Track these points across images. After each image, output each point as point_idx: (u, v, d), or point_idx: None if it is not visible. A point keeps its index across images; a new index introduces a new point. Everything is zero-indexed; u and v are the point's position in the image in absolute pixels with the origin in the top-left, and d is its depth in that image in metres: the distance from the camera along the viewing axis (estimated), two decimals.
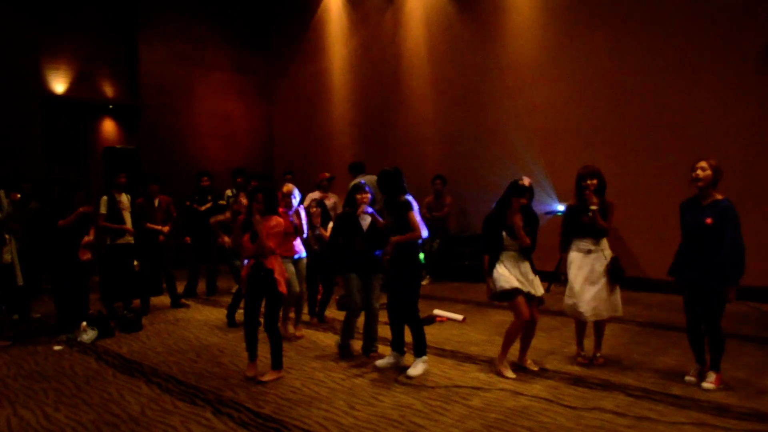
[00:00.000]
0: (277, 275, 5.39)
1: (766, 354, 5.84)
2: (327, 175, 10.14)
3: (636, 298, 8.59)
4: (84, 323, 7.10)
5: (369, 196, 5.90)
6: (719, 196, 4.95)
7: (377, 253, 5.88)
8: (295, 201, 6.76)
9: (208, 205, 9.75)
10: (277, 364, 5.49)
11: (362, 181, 6.23)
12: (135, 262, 8.63)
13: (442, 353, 6.17)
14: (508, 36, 11.01)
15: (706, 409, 4.41)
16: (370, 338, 6.15)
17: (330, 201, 9.73)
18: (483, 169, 10.96)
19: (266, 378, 5.40)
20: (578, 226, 5.66)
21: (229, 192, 10.19)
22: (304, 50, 14.94)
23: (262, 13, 15.62)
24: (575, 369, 5.52)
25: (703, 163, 4.95)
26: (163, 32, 13.85)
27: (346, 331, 6.12)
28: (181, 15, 14.16)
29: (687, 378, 5.09)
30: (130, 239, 8.23)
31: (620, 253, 8.59)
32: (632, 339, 6.52)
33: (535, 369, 5.52)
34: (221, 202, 9.99)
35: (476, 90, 11.46)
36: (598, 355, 5.76)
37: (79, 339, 6.94)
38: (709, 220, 4.83)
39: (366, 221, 5.92)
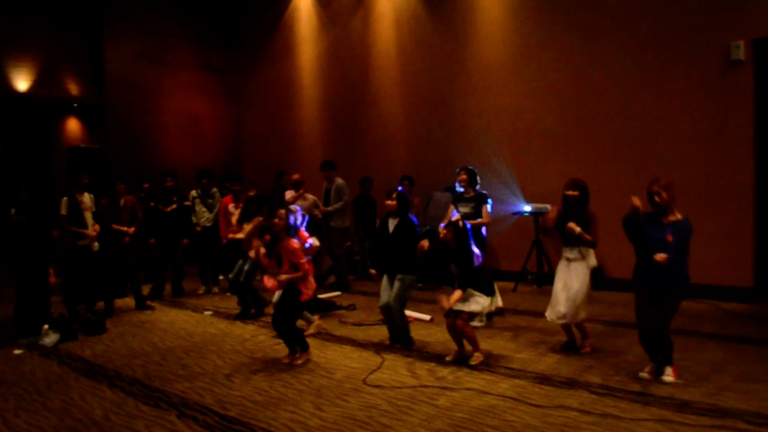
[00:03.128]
0: (302, 288, 5.98)
1: (726, 351, 5.96)
2: (297, 176, 10.17)
3: (598, 296, 8.70)
4: (46, 326, 6.97)
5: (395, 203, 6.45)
6: (680, 215, 5.10)
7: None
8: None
9: (174, 206, 9.64)
10: (303, 347, 6.02)
11: (400, 188, 6.71)
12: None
13: (408, 353, 6.18)
14: (477, 38, 11.08)
15: (667, 405, 4.48)
16: (392, 331, 6.55)
17: (306, 202, 9.80)
18: (451, 170, 10.98)
19: (299, 361, 5.89)
20: (562, 235, 6.03)
21: (194, 193, 10.09)
22: (274, 50, 14.87)
23: (230, 12, 15.52)
24: (541, 368, 5.57)
25: (656, 188, 5.07)
26: (130, 30, 13.67)
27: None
28: (148, 13, 13.99)
29: (641, 374, 5.24)
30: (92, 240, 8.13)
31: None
32: (596, 338, 6.60)
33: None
34: (186, 203, 9.90)
35: (445, 91, 11.51)
36: (587, 343, 6.13)
37: (40, 342, 6.81)
38: (669, 238, 4.96)
39: (392, 224, 6.44)
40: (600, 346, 6.26)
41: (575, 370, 5.45)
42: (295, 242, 5.99)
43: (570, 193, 5.98)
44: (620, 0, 9.30)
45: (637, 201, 5.10)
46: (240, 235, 8.27)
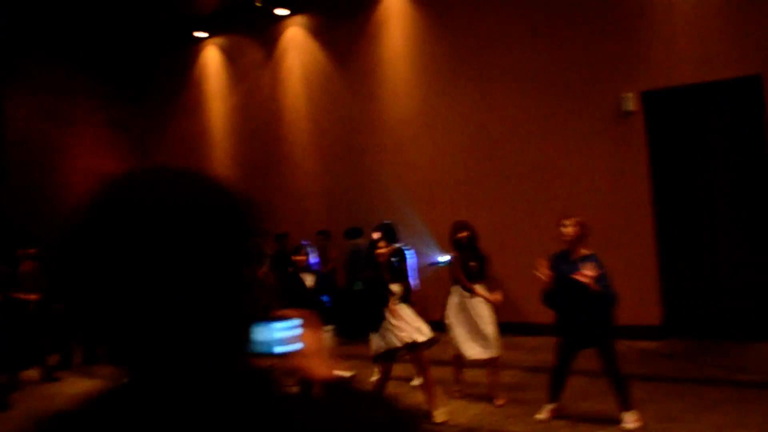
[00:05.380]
0: None
1: (642, 390, 6.09)
2: None
3: (518, 342, 8.89)
4: None
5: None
6: (586, 251, 5.30)
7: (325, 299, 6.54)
8: None
9: None
10: None
11: (304, 242, 6.68)
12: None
13: None
14: (384, 93, 11.34)
15: None
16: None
17: None
18: (366, 222, 11.09)
19: None
20: (466, 273, 5.99)
21: None
22: (182, 106, 14.68)
23: (136, 67, 15.24)
24: (464, 420, 5.60)
25: (568, 221, 5.30)
26: (30, 88, 13.18)
27: None
28: (49, 69, 13.52)
29: (537, 416, 5.42)
30: None
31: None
32: (518, 384, 6.71)
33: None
34: None
35: (356, 145, 11.66)
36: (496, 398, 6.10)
37: None
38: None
39: (308, 278, 6.46)
40: (522, 393, 6.35)
41: (499, 420, 5.52)
42: None
43: (461, 235, 6.18)
44: (516, 56, 9.78)
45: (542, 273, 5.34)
46: None
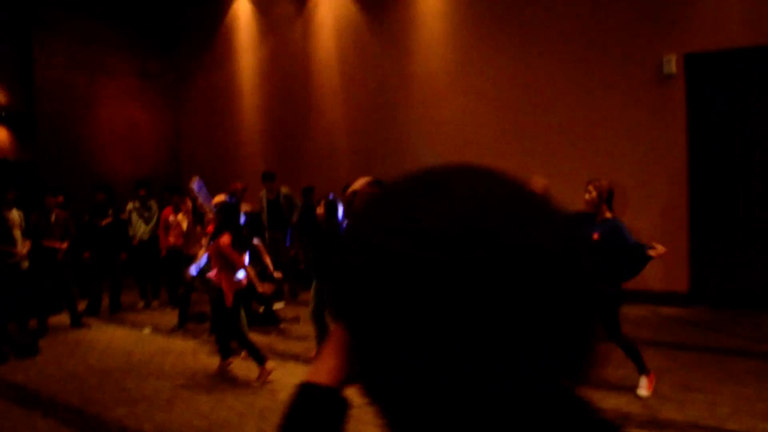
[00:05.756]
0: (225, 290, 5.83)
1: (664, 358, 6.09)
2: (240, 185, 9.85)
3: None
4: None
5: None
6: (609, 215, 5.15)
7: None
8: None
9: (109, 219, 9.34)
10: (260, 362, 5.77)
11: (331, 195, 6.64)
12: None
13: None
14: (418, 48, 11.13)
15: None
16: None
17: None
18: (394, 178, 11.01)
19: (259, 380, 5.72)
20: None
21: (130, 205, 9.83)
22: (212, 57, 14.60)
23: (168, 18, 15.16)
24: None
25: (590, 186, 5.20)
26: (61, 36, 13.16)
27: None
28: (81, 19, 13.50)
29: None
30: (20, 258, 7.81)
31: None
32: None
33: None
34: (123, 216, 9.63)
35: (386, 101, 11.51)
36: None
37: None
38: (595, 236, 5.00)
39: None
40: None
41: None
42: (224, 238, 5.78)
43: None
44: (556, 14, 9.48)
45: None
46: None
